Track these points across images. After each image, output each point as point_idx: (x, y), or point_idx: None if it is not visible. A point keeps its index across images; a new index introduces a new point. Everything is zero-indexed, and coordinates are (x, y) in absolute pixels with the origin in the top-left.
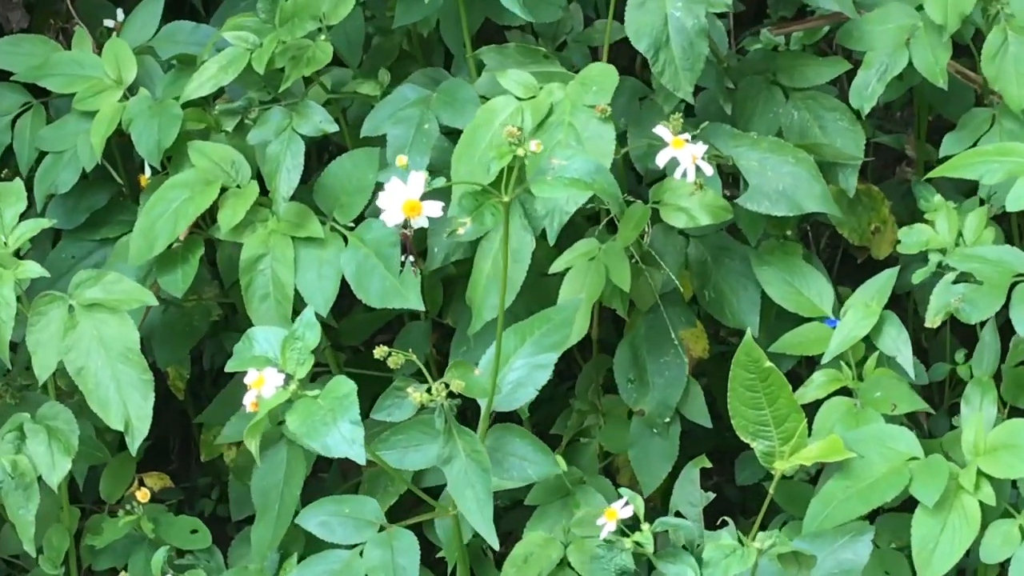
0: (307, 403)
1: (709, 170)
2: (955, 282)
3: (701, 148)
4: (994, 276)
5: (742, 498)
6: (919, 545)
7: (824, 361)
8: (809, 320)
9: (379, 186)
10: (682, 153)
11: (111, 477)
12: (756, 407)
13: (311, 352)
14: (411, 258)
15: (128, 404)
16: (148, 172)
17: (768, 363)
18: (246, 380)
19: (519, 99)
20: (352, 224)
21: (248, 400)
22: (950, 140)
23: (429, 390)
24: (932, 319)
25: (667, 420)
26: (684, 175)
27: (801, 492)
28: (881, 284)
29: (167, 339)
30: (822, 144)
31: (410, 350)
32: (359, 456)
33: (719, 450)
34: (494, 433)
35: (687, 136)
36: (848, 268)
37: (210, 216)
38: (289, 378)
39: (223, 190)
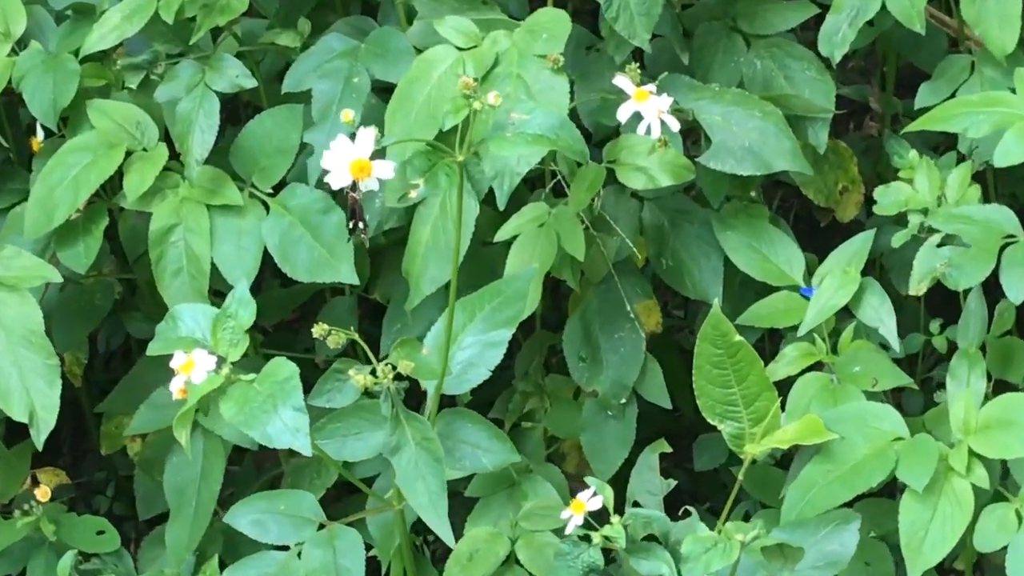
0: (243, 388)
1: (676, 125)
2: (939, 245)
3: (667, 101)
4: (982, 238)
5: (693, 484)
6: (908, 533)
7: (800, 333)
8: (777, 289)
9: (304, 147)
10: (646, 106)
11: (3, 474)
12: (724, 385)
13: (245, 332)
14: (361, 225)
15: (32, 393)
16: (40, 135)
17: (737, 337)
18: (173, 364)
19: (459, 49)
20: (273, 190)
21: (175, 386)
22: (926, 90)
23: (373, 372)
24: (916, 286)
25: (623, 401)
26: (648, 131)
27: (771, 477)
28: (857, 248)
29: (65, 320)
30: (790, 96)
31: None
32: (304, 446)
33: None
34: (443, 419)
35: (651, 87)
36: (804, 232)
37: (111, 184)
38: (221, 361)
39: (128, 154)
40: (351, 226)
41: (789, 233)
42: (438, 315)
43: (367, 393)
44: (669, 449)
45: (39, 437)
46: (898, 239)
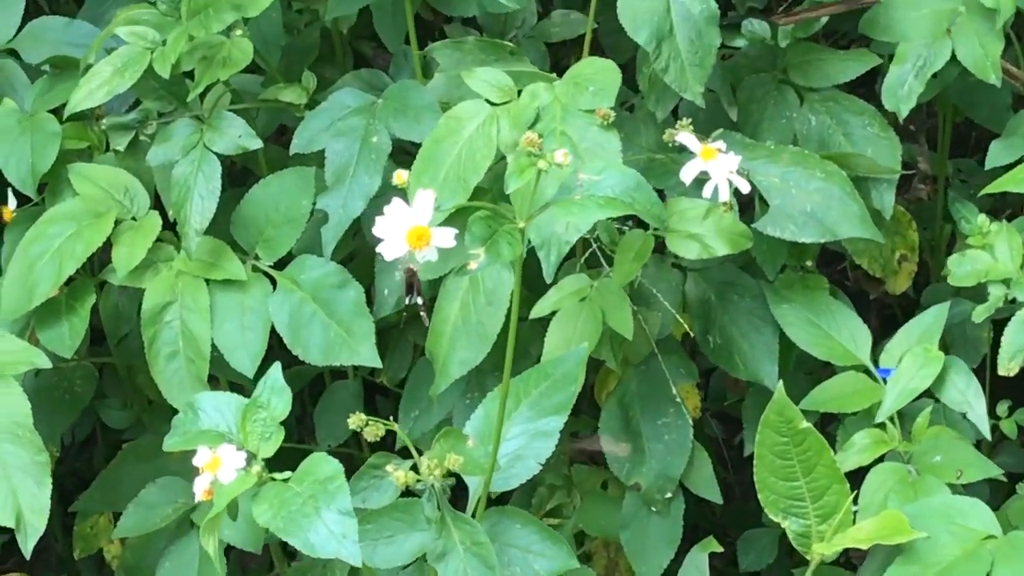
0: (279, 489)
1: (746, 186)
2: None
3: (735, 159)
4: None
5: None
6: None
7: (880, 419)
8: (838, 370)
9: (315, 215)
10: (714, 166)
11: None
12: (789, 478)
13: (280, 424)
14: (420, 300)
15: (19, 493)
16: (12, 203)
17: (804, 423)
18: (197, 461)
19: (492, 104)
20: (280, 263)
21: (200, 487)
22: (998, 148)
23: (415, 468)
24: (1007, 365)
25: (668, 495)
26: (714, 193)
27: None
28: (930, 323)
29: (43, 410)
30: (852, 155)
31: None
32: (353, 556)
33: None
34: (488, 519)
35: (720, 145)
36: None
37: (95, 257)
38: (252, 458)
39: (116, 223)
40: (408, 301)
41: (850, 306)
42: (461, 400)
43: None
44: (719, 548)
45: (27, 543)
46: (979, 313)
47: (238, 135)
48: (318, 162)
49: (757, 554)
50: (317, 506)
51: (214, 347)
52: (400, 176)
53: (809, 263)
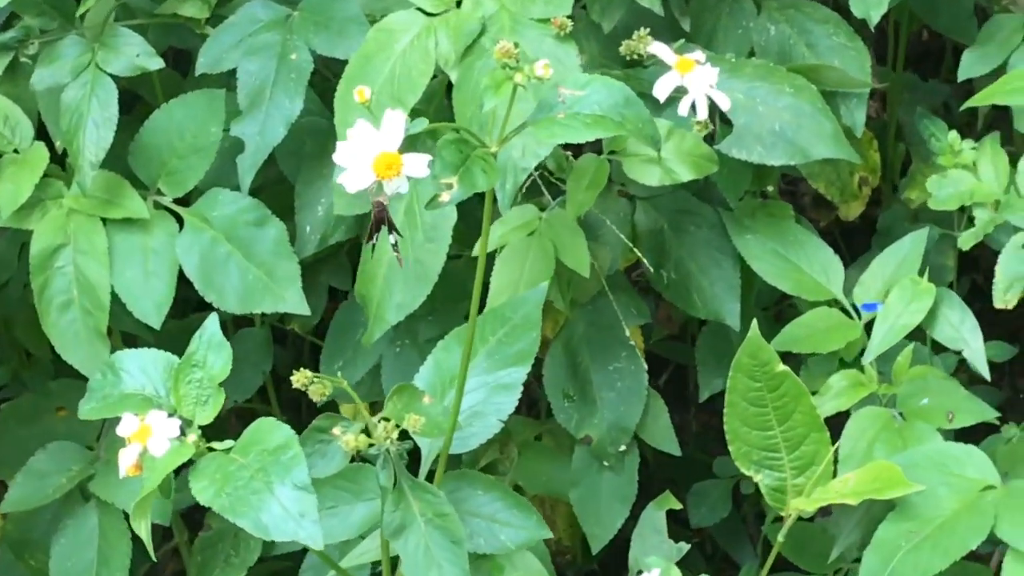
0: (221, 461)
1: (726, 102)
2: None
3: (713, 72)
4: None
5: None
6: None
7: (867, 360)
8: (810, 305)
9: (227, 141)
10: (692, 79)
11: None
12: (763, 427)
13: (219, 386)
14: (393, 239)
15: None
16: None
17: (781, 366)
18: (122, 431)
19: (428, 14)
20: (187, 199)
21: (127, 461)
22: (972, 58)
23: (365, 431)
24: (1003, 297)
25: (622, 448)
26: (691, 110)
27: (808, 538)
28: (907, 252)
29: None
30: (822, 66)
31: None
32: (314, 537)
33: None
34: (446, 486)
35: (699, 55)
36: None
37: None
38: (187, 425)
39: None
40: (375, 239)
41: (816, 235)
42: (390, 348)
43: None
44: (677, 504)
45: None
46: (967, 240)
47: (136, 54)
48: (221, 85)
49: (709, 508)
50: (268, 480)
51: (114, 296)
52: (362, 93)
53: (770, 188)
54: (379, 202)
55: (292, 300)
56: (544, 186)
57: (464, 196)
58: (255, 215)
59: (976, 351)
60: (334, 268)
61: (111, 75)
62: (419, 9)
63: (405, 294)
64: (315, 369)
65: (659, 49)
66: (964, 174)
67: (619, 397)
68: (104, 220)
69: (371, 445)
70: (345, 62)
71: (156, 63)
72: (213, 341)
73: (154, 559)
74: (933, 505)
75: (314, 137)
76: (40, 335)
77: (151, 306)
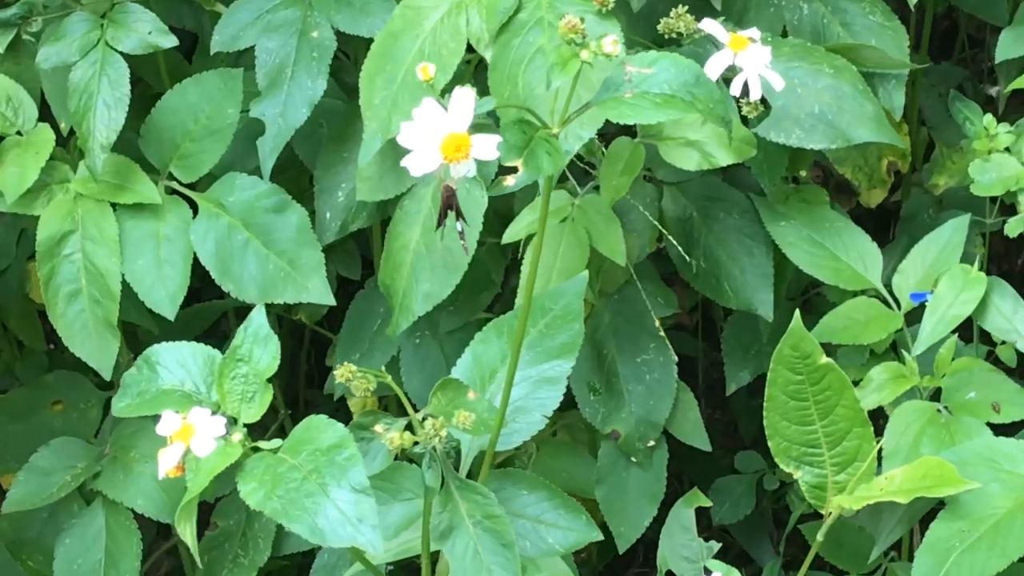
0: (270, 462)
1: (780, 82)
2: None
3: (767, 51)
4: None
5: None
6: None
7: (917, 352)
8: (849, 295)
9: (241, 123)
10: (746, 58)
11: None
12: (804, 422)
13: (267, 382)
14: (460, 225)
15: None
16: None
17: (824, 358)
18: (162, 429)
19: None
20: (201, 183)
21: (169, 462)
22: (1010, 38)
23: (410, 427)
24: None
25: (651, 444)
26: (744, 91)
27: (846, 536)
28: (947, 240)
29: None
30: (860, 46)
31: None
32: (374, 544)
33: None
34: (490, 485)
35: (753, 33)
36: None
37: None
38: (231, 423)
39: None
40: (442, 226)
41: (851, 222)
42: (408, 340)
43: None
44: (707, 502)
45: None
46: (1015, 226)
47: (148, 31)
48: (230, 65)
49: (732, 505)
50: (323, 482)
51: (125, 285)
52: (426, 70)
53: (803, 173)
54: (448, 186)
55: (317, 290)
56: (568, 171)
57: (530, 180)
58: (274, 200)
59: None
60: (342, 257)
61: (122, 53)
62: None
63: (433, 283)
64: (319, 359)
65: (711, 26)
66: (1008, 158)
67: (648, 390)
68: (114, 206)
69: (415, 443)
70: (365, 40)
71: (170, 40)
72: (259, 334)
73: (199, 565)
74: (985, 503)
75: (331, 119)
76: (34, 325)
77: (164, 296)
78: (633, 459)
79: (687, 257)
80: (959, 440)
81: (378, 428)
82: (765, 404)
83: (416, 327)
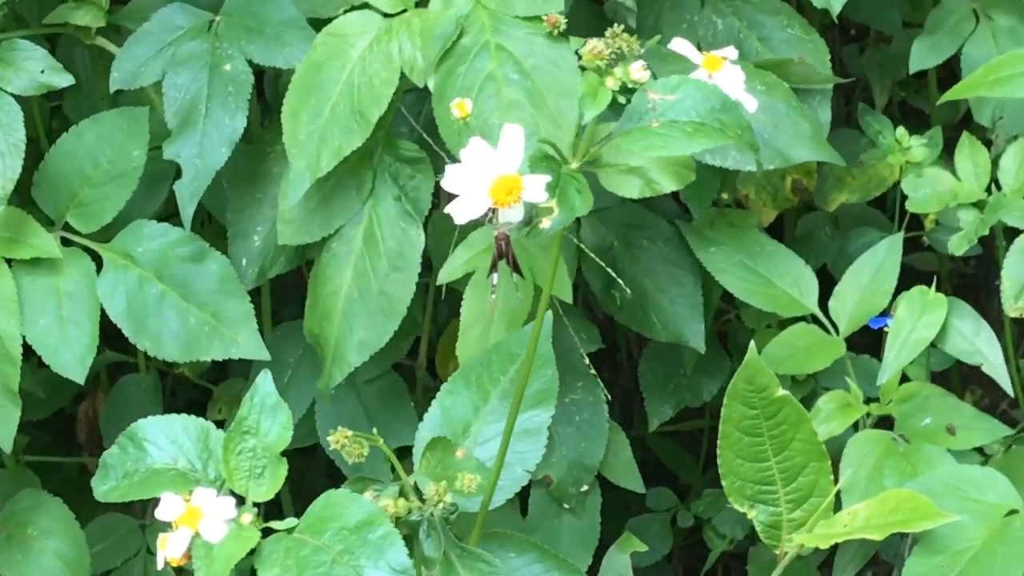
0: (290, 544)
1: (753, 104)
2: None
3: (740, 71)
4: None
5: None
6: None
7: (882, 380)
8: (789, 322)
9: (154, 169)
10: (723, 78)
11: None
12: (758, 458)
13: (279, 456)
14: (516, 276)
15: None
16: None
17: (780, 391)
18: (162, 514)
19: (385, 15)
20: (103, 233)
21: (174, 551)
22: (923, 48)
23: (403, 493)
24: (1016, 304)
25: (584, 488)
26: None
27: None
28: (883, 260)
29: None
30: (786, 61)
31: None
32: None
33: None
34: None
35: (728, 52)
36: None
37: None
38: (239, 503)
39: None
40: (494, 275)
41: (783, 245)
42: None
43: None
44: (642, 546)
45: None
46: (957, 244)
47: (40, 70)
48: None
49: (649, 545)
50: (357, 564)
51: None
52: (463, 106)
53: (725, 196)
54: (504, 234)
55: (248, 344)
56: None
57: (566, 222)
58: (190, 249)
59: (996, 364)
60: None
61: (12, 95)
62: (374, 9)
63: (369, 331)
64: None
65: (682, 46)
66: (942, 173)
67: (579, 432)
68: (9, 262)
69: (411, 511)
70: (279, 72)
71: (65, 79)
72: (267, 403)
73: None
74: (959, 535)
75: (233, 158)
76: None
77: (71, 358)
78: (566, 505)
79: (610, 290)
80: (921, 470)
81: (368, 495)
82: (720, 442)
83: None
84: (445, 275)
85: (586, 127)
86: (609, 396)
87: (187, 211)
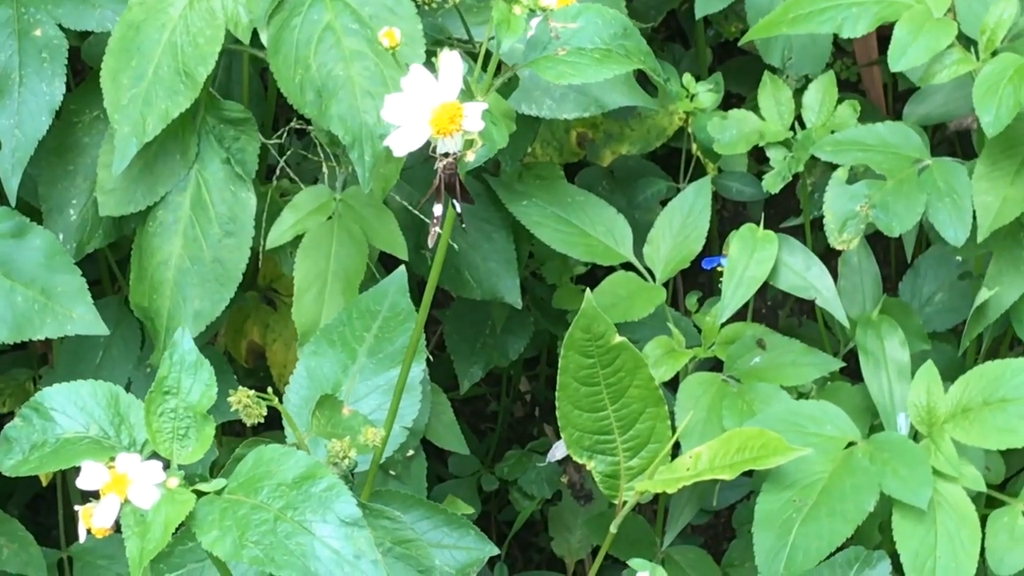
0: (225, 506)
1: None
2: (849, 181)
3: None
4: (893, 166)
5: None
6: (915, 567)
7: (722, 319)
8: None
9: None
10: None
11: None
12: (596, 408)
13: (204, 415)
14: (459, 207)
15: None
16: None
17: (618, 338)
18: (84, 483)
19: None
20: None
21: (103, 520)
22: None
23: None
24: (840, 237)
25: (410, 453)
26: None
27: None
28: (692, 204)
29: None
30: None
31: None
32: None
33: None
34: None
35: None
36: None
37: None
38: (166, 465)
39: None
40: (440, 210)
41: (593, 195)
42: (139, 369)
43: None
44: (469, 509)
45: None
46: (771, 182)
47: None
48: None
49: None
50: (303, 520)
51: None
52: (392, 34)
53: (531, 148)
54: (451, 162)
55: (84, 319)
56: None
57: (490, 154)
58: (10, 225)
59: (829, 296)
60: None
61: None
62: None
63: (204, 300)
64: None
65: None
66: (747, 115)
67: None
68: None
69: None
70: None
71: None
72: (186, 361)
73: None
74: (806, 469)
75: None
76: None
77: None
78: (392, 472)
79: (419, 250)
80: (758, 408)
81: None
82: (557, 393)
83: (144, 355)
84: (274, 238)
85: (490, 58)
86: (431, 357)
87: (11, 184)
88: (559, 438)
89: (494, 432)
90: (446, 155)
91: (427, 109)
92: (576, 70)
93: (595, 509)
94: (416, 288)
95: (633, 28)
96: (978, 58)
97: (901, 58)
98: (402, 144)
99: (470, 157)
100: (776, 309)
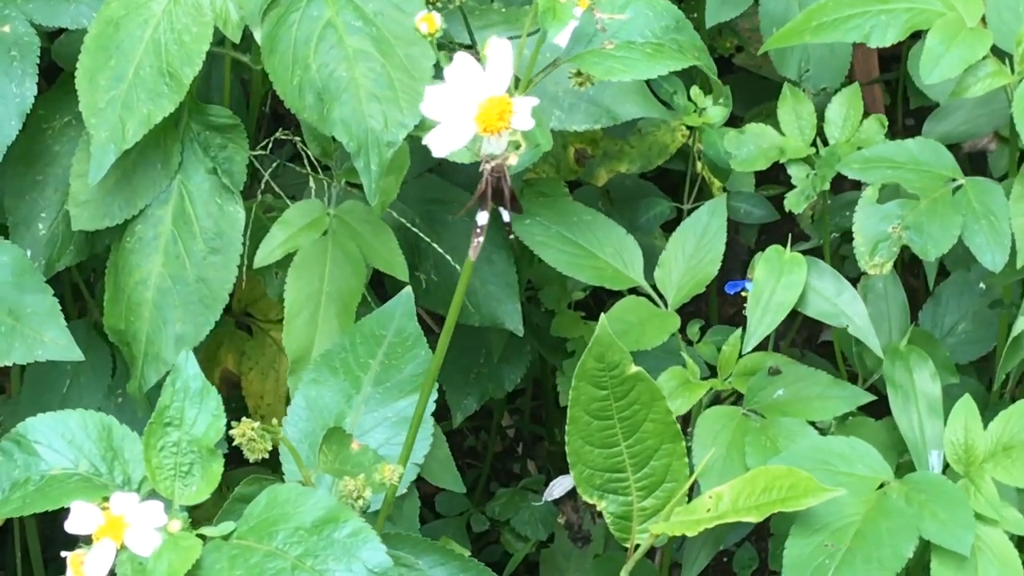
0: (237, 553)
1: None
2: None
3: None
4: (925, 186)
5: None
6: None
7: (748, 349)
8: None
9: None
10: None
11: None
12: (608, 443)
13: (211, 449)
14: (505, 215)
15: None
16: None
17: (633, 368)
18: (73, 526)
19: None
20: None
21: (96, 568)
22: (716, 2)
23: None
24: (871, 262)
25: (404, 492)
26: None
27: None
28: (706, 226)
29: None
30: None
31: None
32: None
33: None
34: None
35: None
36: None
37: None
38: (167, 506)
39: None
40: (483, 216)
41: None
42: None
43: None
44: (463, 551)
45: None
46: (795, 202)
47: None
48: None
49: None
50: (324, 568)
51: None
52: (431, 20)
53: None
54: (499, 165)
55: (56, 343)
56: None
57: (535, 158)
58: None
59: (862, 325)
60: None
61: None
62: None
63: (187, 323)
64: None
65: None
66: (766, 129)
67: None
68: None
69: None
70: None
71: None
72: (191, 388)
73: None
74: (837, 512)
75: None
76: None
77: None
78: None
79: (414, 273)
80: (783, 445)
81: None
82: (568, 428)
83: (116, 383)
84: (264, 256)
85: (531, 53)
86: None
87: None
88: (544, 475)
89: (476, 469)
90: (492, 156)
91: (472, 103)
92: (627, 66)
93: (591, 551)
94: None
95: (686, 21)
96: (1012, 71)
97: (934, 69)
98: (443, 143)
99: (513, 160)
100: (777, 340)
